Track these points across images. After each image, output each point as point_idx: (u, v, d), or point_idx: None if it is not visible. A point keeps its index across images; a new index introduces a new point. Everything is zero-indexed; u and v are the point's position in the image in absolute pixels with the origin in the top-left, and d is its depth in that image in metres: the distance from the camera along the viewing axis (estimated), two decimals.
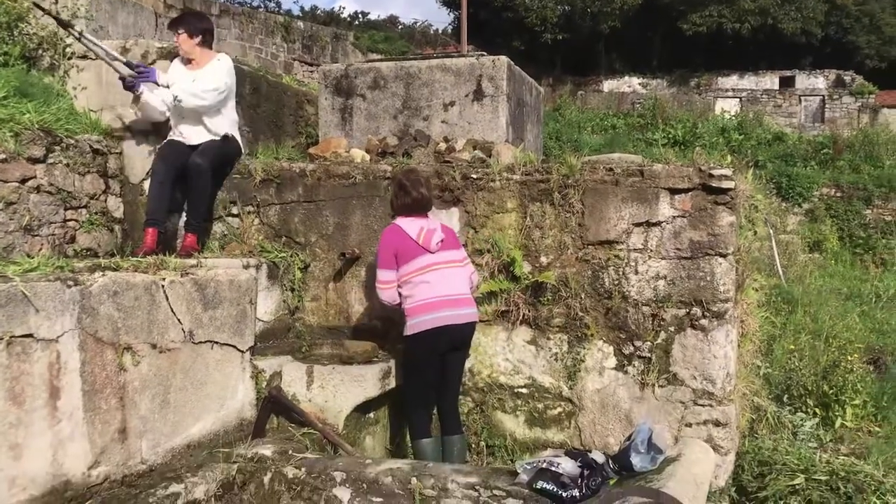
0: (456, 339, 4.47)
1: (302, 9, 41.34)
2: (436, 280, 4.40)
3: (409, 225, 4.47)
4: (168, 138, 5.24)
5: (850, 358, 6.54)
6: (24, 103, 4.88)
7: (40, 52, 5.65)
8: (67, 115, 5.25)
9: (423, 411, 4.58)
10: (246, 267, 4.60)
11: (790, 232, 15.54)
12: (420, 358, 4.48)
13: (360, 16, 43.99)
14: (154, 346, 3.68)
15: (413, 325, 4.38)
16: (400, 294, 4.48)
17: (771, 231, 10.63)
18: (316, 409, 4.45)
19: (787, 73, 33.23)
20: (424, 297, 4.37)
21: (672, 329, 4.64)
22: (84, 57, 5.63)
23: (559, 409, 4.90)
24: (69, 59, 5.66)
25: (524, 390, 4.97)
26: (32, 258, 3.58)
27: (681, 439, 4.49)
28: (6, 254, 4.36)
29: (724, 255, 4.54)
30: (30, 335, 3.03)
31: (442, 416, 4.64)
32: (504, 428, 5.01)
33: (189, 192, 5.12)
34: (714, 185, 4.50)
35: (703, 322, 4.57)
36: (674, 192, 4.61)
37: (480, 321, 4.91)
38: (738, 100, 29.05)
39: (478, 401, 5.05)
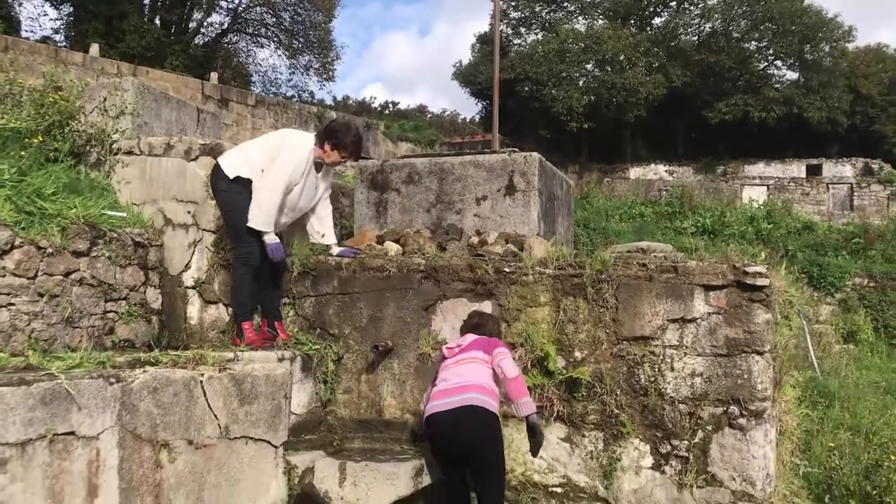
0: (457, 437, 4.15)
1: (335, 98, 42.70)
2: (445, 377, 4.41)
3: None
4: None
5: (893, 458, 6.34)
6: (71, 198, 5.04)
7: (88, 148, 5.87)
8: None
9: None
10: (281, 360, 4.63)
11: (823, 322, 15.30)
12: (434, 454, 4.46)
13: (390, 105, 45.18)
14: (190, 443, 3.69)
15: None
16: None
17: (804, 322, 10.49)
18: None
19: (815, 161, 33.46)
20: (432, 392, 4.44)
21: (710, 428, 4.56)
22: (129, 153, 5.82)
23: None
24: (115, 154, 5.86)
25: (559, 489, 4.87)
26: (74, 351, 3.65)
27: None
28: (48, 346, 4.44)
29: (760, 353, 4.50)
30: (72, 433, 3.06)
31: None
32: None
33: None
34: (749, 282, 4.49)
35: (742, 421, 4.50)
36: (708, 288, 4.60)
37: (514, 416, 4.86)
38: (765, 187, 29.20)
39: (511, 500, 4.94)
